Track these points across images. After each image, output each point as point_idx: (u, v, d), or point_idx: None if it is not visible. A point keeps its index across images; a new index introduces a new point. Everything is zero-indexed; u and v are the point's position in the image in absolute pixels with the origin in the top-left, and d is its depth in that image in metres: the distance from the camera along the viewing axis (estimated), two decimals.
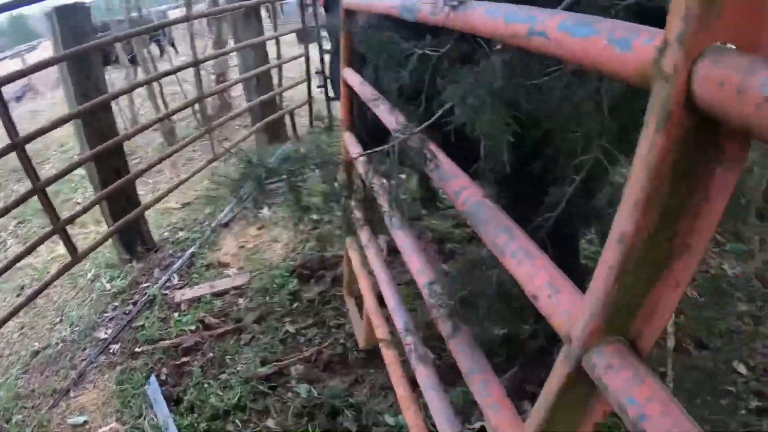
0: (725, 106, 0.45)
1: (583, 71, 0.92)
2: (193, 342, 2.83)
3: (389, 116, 1.51)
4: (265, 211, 4.09)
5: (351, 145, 2.22)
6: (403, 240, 1.63)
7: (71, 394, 2.64)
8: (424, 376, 1.54)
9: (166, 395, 2.54)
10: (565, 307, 0.72)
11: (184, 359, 2.76)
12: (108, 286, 3.44)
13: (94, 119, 3.36)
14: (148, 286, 3.37)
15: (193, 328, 2.94)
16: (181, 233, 4.00)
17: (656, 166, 0.52)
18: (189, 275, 3.46)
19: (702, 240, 0.57)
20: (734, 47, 0.47)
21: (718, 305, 2.67)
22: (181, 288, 3.33)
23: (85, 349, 2.93)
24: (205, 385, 2.56)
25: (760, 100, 0.41)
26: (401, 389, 1.91)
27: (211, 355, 2.74)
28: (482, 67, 1.01)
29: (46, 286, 2.88)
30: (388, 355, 2.08)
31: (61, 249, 3.42)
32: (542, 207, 1.01)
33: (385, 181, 1.36)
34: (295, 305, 3.03)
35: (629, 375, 0.60)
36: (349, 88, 2.19)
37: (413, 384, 1.77)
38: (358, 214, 2.12)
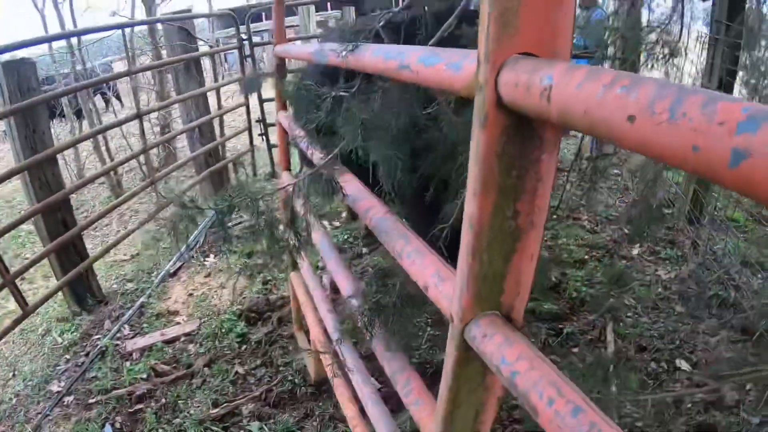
0: (521, 101, 0.55)
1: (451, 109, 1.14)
2: (145, 389, 3.01)
3: (308, 151, 1.76)
4: (211, 259, 4.33)
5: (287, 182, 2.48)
6: (330, 259, 1.85)
7: None
8: (367, 393, 1.73)
9: None
10: (449, 292, 0.81)
11: (138, 406, 2.93)
12: (59, 339, 3.56)
13: (41, 172, 3.49)
14: (99, 338, 3.52)
15: (145, 375, 3.12)
16: (130, 284, 4.16)
17: (483, 157, 0.63)
18: (139, 325, 3.64)
19: (543, 215, 0.68)
20: (530, 56, 0.56)
21: (656, 309, 3.08)
22: (132, 337, 3.51)
23: (39, 402, 3.05)
24: (160, 430, 2.75)
25: (541, 90, 0.51)
26: (350, 411, 2.10)
27: (164, 401, 2.94)
28: (369, 103, 1.24)
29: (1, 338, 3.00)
30: (337, 382, 2.23)
31: (11, 305, 3.52)
32: (439, 220, 1.15)
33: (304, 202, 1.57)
34: (243, 347, 3.27)
35: (501, 340, 0.68)
36: (284, 130, 2.46)
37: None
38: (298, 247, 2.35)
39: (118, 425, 2.83)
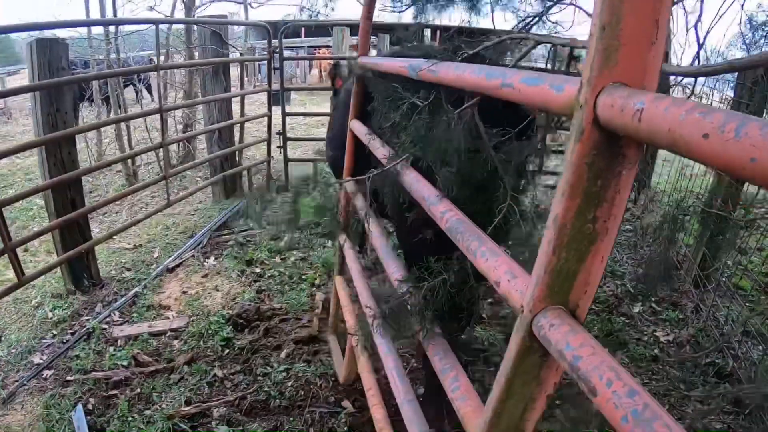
0: (615, 120, 0.70)
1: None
2: (123, 377, 3.07)
3: (381, 149, 1.93)
4: (211, 261, 4.43)
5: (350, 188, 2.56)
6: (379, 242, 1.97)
7: None
8: (403, 393, 1.80)
9: (90, 424, 2.76)
10: (519, 287, 0.95)
11: (113, 392, 2.99)
12: (50, 314, 3.67)
13: (57, 150, 3.66)
14: (88, 319, 3.62)
15: (125, 363, 3.19)
16: (128, 273, 4.28)
17: (575, 165, 0.76)
18: (130, 313, 3.73)
19: (616, 223, 0.80)
20: (624, 85, 0.71)
21: (650, 371, 3.05)
22: (120, 324, 3.59)
23: (18, 371, 3.13)
24: (129, 419, 2.78)
25: (633, 111, 0.65)
26: (378, 413, 2.15)
27: (139, 390, 2.99)
28: (445, 123, 1.43)
29: None
30: (368, 380, 2.30)
31: (10, 273, 3.64)
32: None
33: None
34: (226, 351, 3.32)
35: (567, 329, 0.80)
36: (354, 137, 2.57)
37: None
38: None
39: (90, 407, 2.88)
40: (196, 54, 6.18)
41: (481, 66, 1.26)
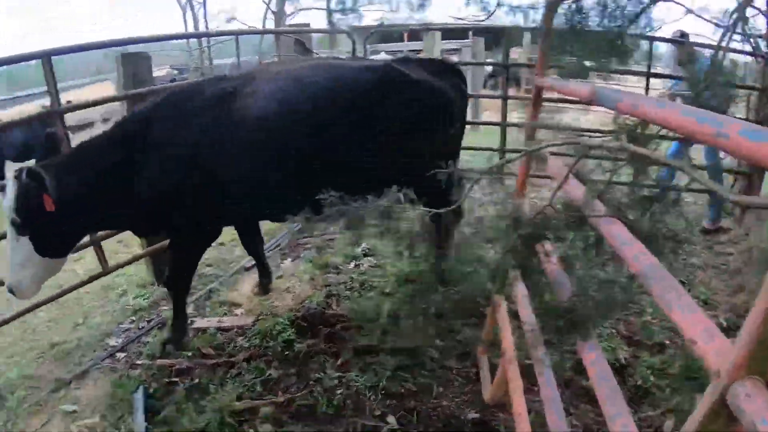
0: None
1: None
2: (186, 366, 3.32)
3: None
4: (287, 262, 4.64)
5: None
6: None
7: (72, 385, 3.22)
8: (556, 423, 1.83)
9: (148, 406, 3.02)
10: (716, 348, 0.97)
11: (174, 379, 3.24)
12: (132, 302, 4.09)
13: None
14: (165, 309, 3.96)
15: (190, 354, 3.44)
16: (208, 268, 4.63)
17: None
18: (203, 307, 4.02)
19: None
20: None
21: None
22: (194, 317, 3.89)
23: (95, 350, 3.52)
24: (183, 406, 2.99)
25: None
26: None
27: (197, 381, 3.21)
28: None
29: (75, 288, 3.56)
30: (518, 404, 2.27)
31: (110, 261, 4.11)
32: None
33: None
34: (285, 353, 3.44)
35: (763, 403, 0.82)
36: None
37: None
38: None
39: (151, 390, 3.15)
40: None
41: (692, 108, 1.19)
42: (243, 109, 3.06)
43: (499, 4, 3.77)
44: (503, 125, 5.64)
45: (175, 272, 3.38)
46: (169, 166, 3.02)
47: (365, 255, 4.70)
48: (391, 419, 2.88)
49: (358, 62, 3.85)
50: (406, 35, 15.16)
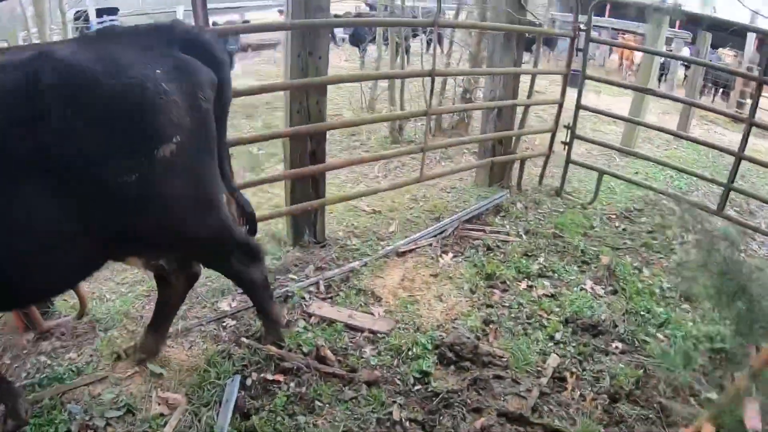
0: None
1: None
2: (296, 366, 2.68)
3: None
4: (448, 258, 3.79)
5: None
6: None
7: (168, 342, 2.75)
8: None
9: (239, 404, 2.44)
10: None
11: (277, 377, 2.64)
12: None
13: (303, 97, 3.47)
14: (294, 279, 3.37)
15: (306, 350, 2.80)
16: (355, 240, 3.94)
17: None
18: (337, 290, 3.35)
19: None
20: None
21: None
22: (323, 299, 3.24)
23: (205, 307, 3.03)
24: (277, 417, 2.41)
25: None
26: None
27: (303, 389, 2.57)
28: None
29: None
30: None
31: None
32: None
33: None
34: (416, 388, 2.68)
35: None
36: None
37: None
38: None
39: (248, 382, 2.59)
40: (488, 15, 5.59)
41: None
42: None
43: None
44: (738, 156, 4.13)
45: None
46: None
47: (540, 275, 3.69)
48: None
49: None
50: (607, 8, 12.71)
